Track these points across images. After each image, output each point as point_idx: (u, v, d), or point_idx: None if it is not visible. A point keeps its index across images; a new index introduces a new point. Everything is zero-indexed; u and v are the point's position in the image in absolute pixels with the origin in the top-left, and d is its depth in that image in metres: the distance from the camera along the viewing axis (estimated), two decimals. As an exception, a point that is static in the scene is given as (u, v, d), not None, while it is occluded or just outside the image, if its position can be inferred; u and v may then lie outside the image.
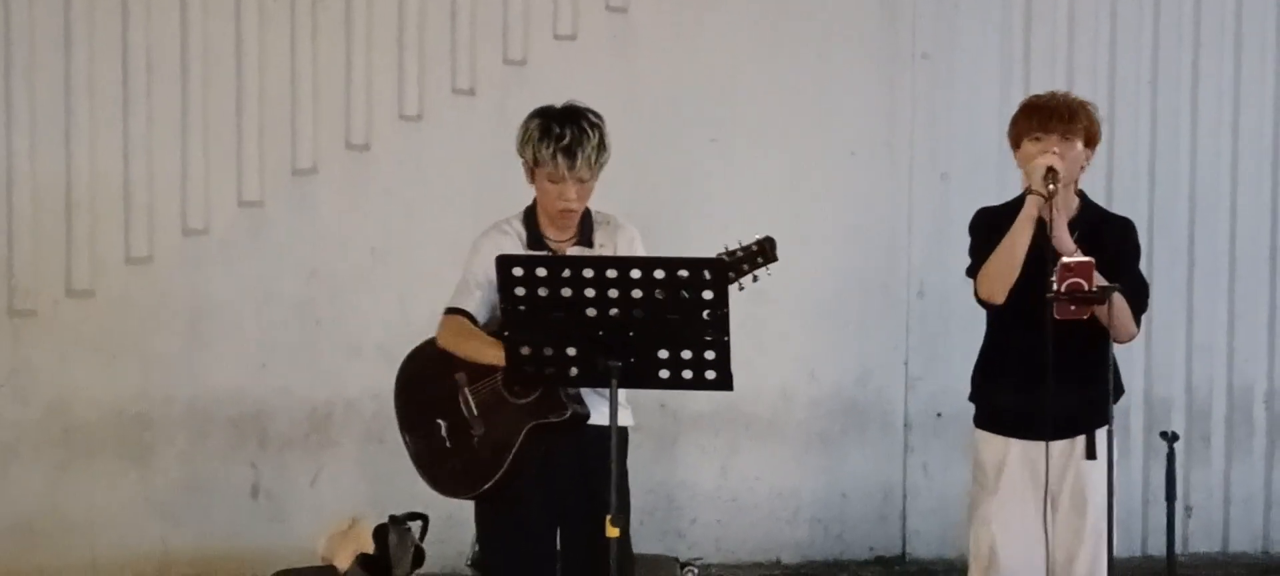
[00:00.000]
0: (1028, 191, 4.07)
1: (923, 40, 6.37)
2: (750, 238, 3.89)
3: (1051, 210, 3.99)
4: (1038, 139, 4.13)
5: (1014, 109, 4.34)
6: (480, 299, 4.05)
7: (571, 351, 3.63)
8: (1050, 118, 4.14)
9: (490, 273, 3.90)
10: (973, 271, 4.24)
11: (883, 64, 6.37)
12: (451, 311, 4.09)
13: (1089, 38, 6.44)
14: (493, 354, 3.90)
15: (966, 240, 4.36)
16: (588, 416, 3.96)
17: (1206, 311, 6.59)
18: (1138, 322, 4.20)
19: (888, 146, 6.38)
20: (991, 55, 6.40)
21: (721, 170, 6.21)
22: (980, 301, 4.23)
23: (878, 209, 6.39)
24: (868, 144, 6.37)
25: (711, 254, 3.78)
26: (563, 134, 3.93)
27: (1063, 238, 4.04)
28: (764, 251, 3.88)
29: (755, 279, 3.88)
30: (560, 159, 3.92)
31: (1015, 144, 4.23)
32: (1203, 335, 6.59)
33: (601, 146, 3.97)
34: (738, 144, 6.26)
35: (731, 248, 3.88)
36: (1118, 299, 3.94)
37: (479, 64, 6.13)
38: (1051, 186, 3.98)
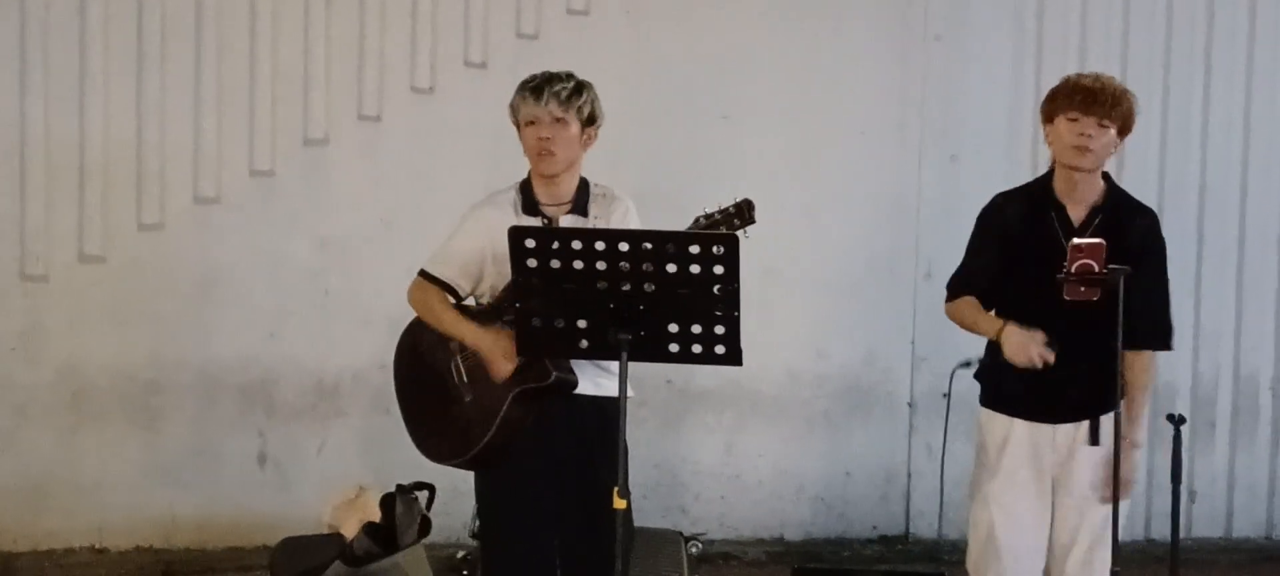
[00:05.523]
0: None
1: (935, 21, 6.36)
2: (728, 200, 3.86)
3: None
4: (1075, 120, 4.08)
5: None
6: (459, 270, 4.10)
7: (582, 323, 3.63)
8: (1093, 102, 4.07)
9: (478, 244, 4.03)
10: (953, 283, 4.26)
11: (895, 44, 6.36)
12: (426, 276, 4.15)
13: (1102, 21, 6.42)
14: (458, 328, 4.01)
15: (974, 223, 4.33)
16: (575, 384, 3.96)
17: (1214, 298, 6.57)
18: (1169, 344, 4.27)
19: (898, 127, 6.37)
20: (1004, 38, 6.38)
21: (733, 147, 6.21)
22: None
23: (887, 189, 6.39)
24: (878, 124, 6.37)
25: (686, 221, 3.81)
26: (532, 78, 4.07)
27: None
28: (741, 213, 3.84)
29: None
30: (528, 96, 4.02)
31: (1048, 118, 4.16)
32: (1210, 322, 6.58)
33: (578, 91, 4.04)
34: (749, 121, 6.26)
35: (708, 210, 3.86)
36: (1140, 364, 4.09)
37: (491, 37, 6.14)
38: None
